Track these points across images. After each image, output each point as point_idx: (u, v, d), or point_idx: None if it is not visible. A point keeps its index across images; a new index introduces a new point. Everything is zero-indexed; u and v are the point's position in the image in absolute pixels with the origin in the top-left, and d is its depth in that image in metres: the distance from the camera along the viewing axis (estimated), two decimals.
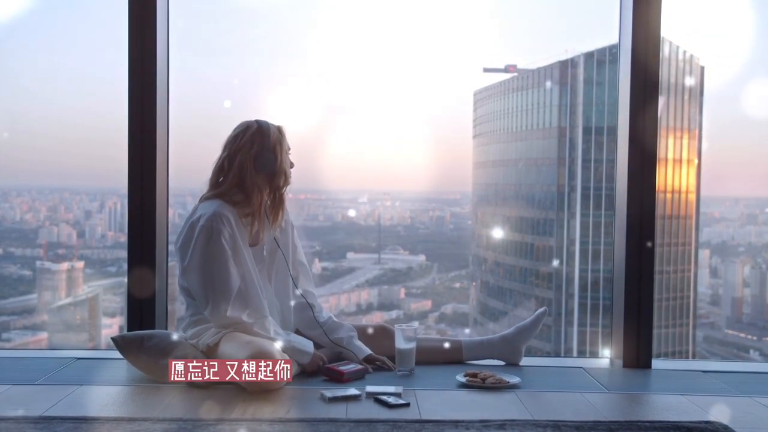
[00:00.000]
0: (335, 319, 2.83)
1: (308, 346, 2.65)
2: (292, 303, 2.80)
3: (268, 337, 2.56)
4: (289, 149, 2.71)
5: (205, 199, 2.64)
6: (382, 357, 2.77)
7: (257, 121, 2.67)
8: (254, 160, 2.61)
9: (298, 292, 2.80)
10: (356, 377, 2.60)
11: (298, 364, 2.59)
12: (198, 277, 2.56)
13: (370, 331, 2.85)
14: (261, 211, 2.65)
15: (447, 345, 2.92)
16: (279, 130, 2.69)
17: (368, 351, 2.76)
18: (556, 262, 52.05)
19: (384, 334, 2.86)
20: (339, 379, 2.57)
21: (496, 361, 2.91)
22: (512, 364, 2.89)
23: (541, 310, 2.97)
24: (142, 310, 2.94)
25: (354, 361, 2.71)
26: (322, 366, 2.65)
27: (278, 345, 2.53)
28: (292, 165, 2.72)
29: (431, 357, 2.83)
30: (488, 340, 2.92)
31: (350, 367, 2.63)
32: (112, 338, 2.67)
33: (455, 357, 2.90)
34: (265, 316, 2.61)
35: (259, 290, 2.64)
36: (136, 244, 2.96)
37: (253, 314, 2.59)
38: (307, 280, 2.86)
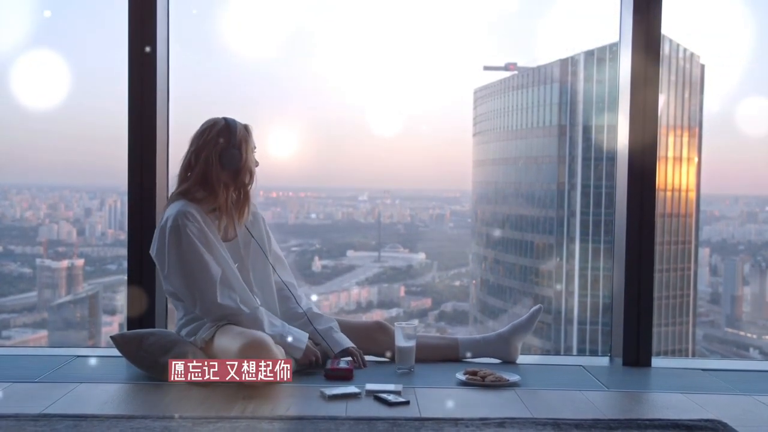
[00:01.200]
0: (315, 310, 2.81)
1: (302, 340, 2.63)
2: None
3: (263, 328, 2.56)
4: (255, 148, 2.72)
5: (170, 202, 2.65)
6: (358, 352, 2.74)
7: (224, 118, 2.68)
8: (220, 156, 2.62)
9: (283, 279, 2.80)
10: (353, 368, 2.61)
11: (292, 357, 2.58)
12: (179, 278, 2.57)
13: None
14: (227, 206, 2.65)
15: (443, 343, 2.92)
16: (246, 128, 2.70)
17: (346, 345, 2.73)
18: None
19: (380, 330, 2.87)
20: (348, 377, 2.55)
21: (492, 359, 2.91)
22: (509, 362, 2.89)
23: (536, 307, 2.97)
24: (142, 308, 2.93)
25: (333, 355, 2.71)
26: (314, 362, 2.64)
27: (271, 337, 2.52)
28: (257, 164, 2.72)
29: (428, 355, 2.82)
30: (484, 338, 2.93)
31: (348, 363, 2.63)
32: (111, 337, 2.68)
33: (452, 355, 2.90)
34: (256, 307, 2.62)
35: (241, 281, 2.65)
36: (136, 243, 2.95)
37: (244, 303, 2.60)
38: (285, 270, 2.86)
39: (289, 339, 2.60)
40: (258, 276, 2.77)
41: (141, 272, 2.95)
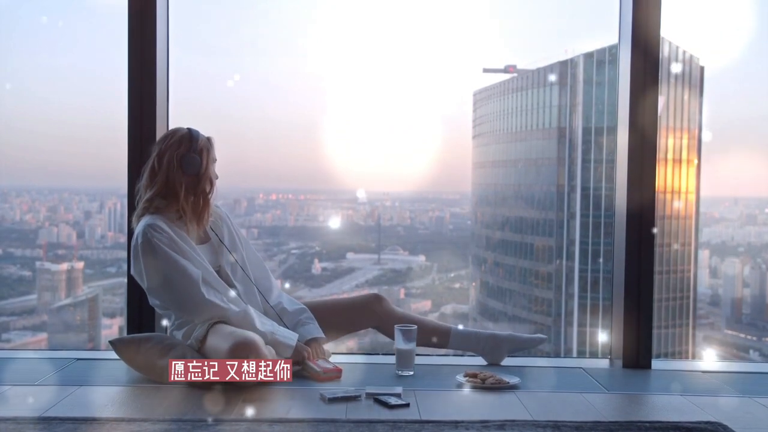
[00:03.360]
0: (285, 305, 2.81)
1: (291, 338, 2.64)
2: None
3: (253, 327, 2.56)
4: (216, 161, 2.74)
5: (137, 218, 2.67)
6: (317, 346, 2.72)
7: (188, 128, 2.71)
8: (180, 160, 2.64)
9: (251, 276, 2.81)
10: (333, 376, 2.59)
11: (282, 356, 2.58)
12: (161, 288, 2.59)
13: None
14: (188, 211, 2.66)
15: (436, 327, 2.93)
16: (208, 139, 2.73)
17: (308, 336, 2.72)
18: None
19: (376, 300, 2.91)
20: (317, 377, 2.57)
21: (480, 359, 2.92)
22: (492, 364, 2.89)
23: (542, 336, 2.98)
24: (142, 311, 2.93)
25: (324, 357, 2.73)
26: (303, 360, 2.64)
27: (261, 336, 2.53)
28: (216, 177, 2.74)
29: (418, 335, 2.82)
30: (477, 334, 2.93)
31: (327, 365, 2.64)
32: (110, 342, 2.69)
33: (441, 342, 2.91)
34: (246, 305, 2.63)
35: (222, 283, 2.66)
36: None
37: (231, 303, 2.60)
38: (257, 267, 2.86)
39: (279, 337, 2.61)
40: (237, 275, 2.78)
41: None
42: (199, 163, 2.66)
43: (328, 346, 2.84)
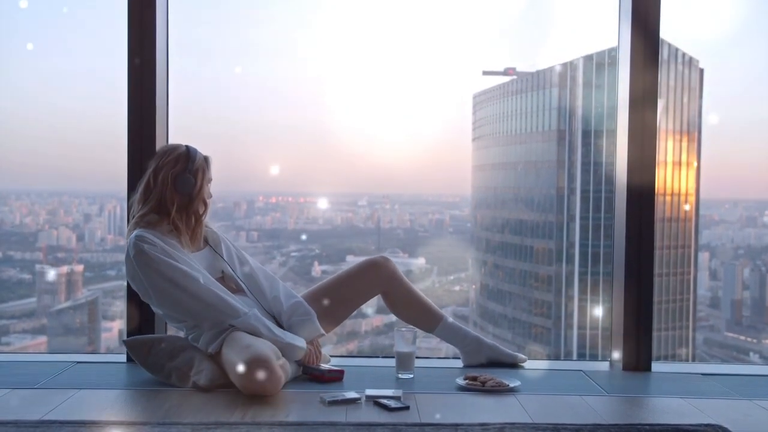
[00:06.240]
0: (281, 298, 2.77)
1: (301, 341, 2.63)
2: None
3: (266, 327, 2.55)
4: (211, 180, 2.73)
5: (129, 232, 2.66)
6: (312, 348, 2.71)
7: (186, 146, 2.70)
8: (175, 178, 2.62)
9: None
10: (335, 377, 2.61)
11: (292, 359, 2.59)
12: (170, 294, 2.56)
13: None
14: (182, 224, 2.65)
15: (431, 310, 2.96)
16: (205, 159, 2.71)
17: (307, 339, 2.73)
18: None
19: (382, 259, 2.96)
20: (320, 378, 2.59)
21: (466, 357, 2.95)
22: (468, 365, 2.90)
23: (523, 356, 2.96)
24: (141, 314, 2.93)
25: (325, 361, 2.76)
26: (302, 361, 2.65)
27: (274, 343, 2.52)
28: (210, 196, 2.73)
29: (411, 311, 2.90)
30: (465, 332, 2.95)
31: (328, 366, 2.65)
32: (124, 341, 2.71)
33: (429, 327, 2.93)
34: (250, 308, 2.61)
35: (222, 287, 2.63)
36: None
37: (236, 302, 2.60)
38: (257, 269, 2.84)
39: (290, 339, 2.60)
40: (239, 280, 2.77)
41: None
42: (193, 183, 2.64)
43: (328, 350, 2.85)
